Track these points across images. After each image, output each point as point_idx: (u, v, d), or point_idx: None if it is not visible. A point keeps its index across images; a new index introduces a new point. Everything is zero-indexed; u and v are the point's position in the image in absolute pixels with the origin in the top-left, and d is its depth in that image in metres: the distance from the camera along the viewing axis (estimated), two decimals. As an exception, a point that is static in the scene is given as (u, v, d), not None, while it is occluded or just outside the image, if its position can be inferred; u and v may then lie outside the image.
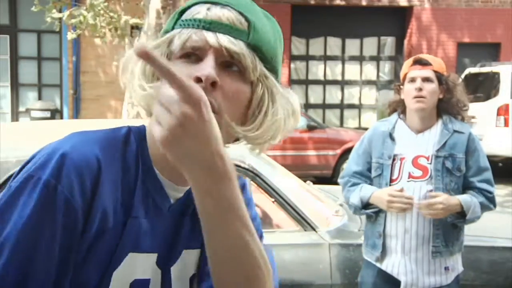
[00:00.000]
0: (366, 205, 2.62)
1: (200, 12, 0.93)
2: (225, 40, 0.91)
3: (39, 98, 11.99)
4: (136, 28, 9.55)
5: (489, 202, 2.57)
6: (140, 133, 0.99)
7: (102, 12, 7.89)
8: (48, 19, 8.23)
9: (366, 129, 2.82)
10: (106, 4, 7.89)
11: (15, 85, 12.03)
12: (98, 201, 0.89)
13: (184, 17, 0.95)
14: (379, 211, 2.59)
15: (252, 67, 0.93)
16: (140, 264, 0.96)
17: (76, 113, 11.82)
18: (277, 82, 0.99)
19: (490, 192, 2.58)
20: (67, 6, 8.80)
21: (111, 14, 8.02)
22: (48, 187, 0.86)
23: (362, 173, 2.68)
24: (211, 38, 0.90)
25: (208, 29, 0.91)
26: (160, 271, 1.00)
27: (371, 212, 2.62)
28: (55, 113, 11.32)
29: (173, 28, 0.95)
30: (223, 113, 0.91)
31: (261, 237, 1.09)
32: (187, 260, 1.03)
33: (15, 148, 2.65)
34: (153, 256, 0.98)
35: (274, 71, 0.98)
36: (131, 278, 0.95)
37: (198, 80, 0.88)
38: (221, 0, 0.94)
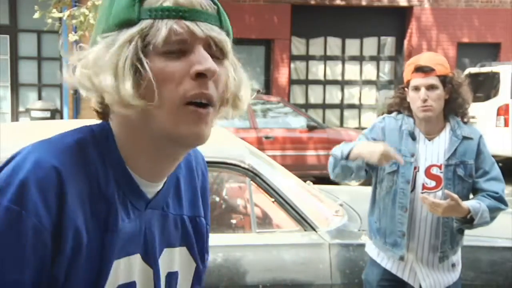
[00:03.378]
0: (348, 156, 2.45)
1: None
2: (210, 30, 0.88)
3: (39, 98, 11.99)
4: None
5: (498, 202, 2.50)
6: (103, 132, 0.93)
7: (102, 12, 7.89)
8: (49, 20, 8.22)
9: (366, 129, 2.77)
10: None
11: (15, 85, 12.03)
12: (66, 219, 0.83)
13: (147, 4, 0.87)
14: (402, 211, 2.51)
15: (230, 52, 0.93)
16: (122, 268, 0.92)
17: (76, 113, 11.81)
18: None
19: (496, 192, 2.52)
20: (67, 7, 8.79)
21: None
22: (11, 213, 0.81)
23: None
24: (196, 29, 0.87)
25: (185, 18, 0.86)
26: (152, 270, 0.97)
27: (354, 164, 2.44)
28: (55, 113, 11.31)
29: (139, 19, 0.86)
30: (217, 103, 0.91)
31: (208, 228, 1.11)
32: (168, 258, 1.01)
33: (15, 148, 2.65)
34: (135, 258, 0.94)
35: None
36: (115, 285, 0.91)
37: (199, 75, 0.86)
38: None
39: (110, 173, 0.90)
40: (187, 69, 0.86)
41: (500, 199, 2.52)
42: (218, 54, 0.90)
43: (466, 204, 2.40)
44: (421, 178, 2.52)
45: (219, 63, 0.90)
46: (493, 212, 2.49)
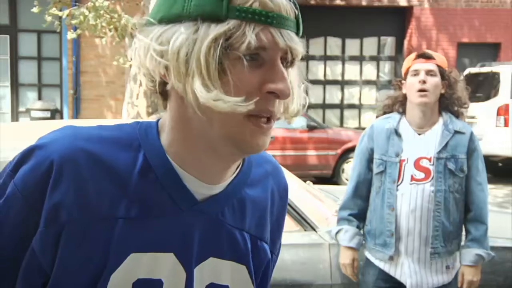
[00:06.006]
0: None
1: None
2: (291, 40, 0.85)
3: (39, 98, 11.99)
4: (136, 28, 9.51)
5: (485, 226, 2.59)
6: (150, 128, 0.92)
7: (102, 12, 7.89)
8: (49, 18, 8.22)
9: (365, 129, 2.82)
10: (106, 4, 7.89)
11: (15, 85, 12.03)
12: (53, 198, 0.85)
13: (235, 3, 0.82)
14: (390, 209, 2.59)
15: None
16: (145, 263, 0.89)
17: (76, 113, 11.82)
18: None
19: (484, 203, 2.59)
20: (67, 6, 8.79)
21: (112, 14, 8.01)
22: (8, 177, 0.88)
23: (358, 174, 2.68)
24: (280, 39, 0.83)
25: (271, 25, 0.83)
26: (185, 274, 0.92)
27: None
28: (55, 113, 11.31)
29: (226, 17, 0.82)
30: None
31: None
32: (214, 268, 0.95)
33: (15, 148, 2.65)
34: (166, 256, 0.90)
35: None
36: (134, 278, 0.88)
37: (270, 92, 0.84)
38: None
39: (139, 163, 0.89)
40: (261, 82, 0.84)
41: (484, 215, 2.60)
42: (289, 63, 0.88)
43: (471, 264, 2.54)
44: (410, 169, 2.55)
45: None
46: (487, 239, 2.61)
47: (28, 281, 0.88)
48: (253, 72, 0.84)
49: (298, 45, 0.86)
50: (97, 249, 0.86)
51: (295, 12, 0.87)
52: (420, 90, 2.51)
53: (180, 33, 0.83)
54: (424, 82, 2.51)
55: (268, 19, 0.83)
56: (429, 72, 2.53)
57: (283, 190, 1.07)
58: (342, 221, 2.71)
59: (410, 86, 2.55)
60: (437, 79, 2.53)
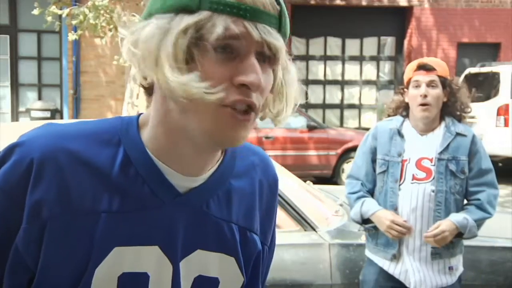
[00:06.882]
0: (366, 220, 2.63)
1: None
2: (268, 34, 0.84)
3: (39, 98, 11.99)
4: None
5: (484, 212, 2.55)
6: (130, 123, 0.93)
7: (102, 12, 7.89)
8: (49, 18, 8.22)
9: (366, 129, 2.84)
10: (106, 3, 7.89)
11: (15, 85, 12.03)
12: (34, 195, 0.85)
13: None
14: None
15: (282, 57, 0.89)
16: (129, 257, 0.89)
17: (76, 113, 11.82)
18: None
19: (481, 200, 2.56)
20: (67, 6, 8.79)
21: (112, 13, 8.01)
22: None
23: (365, 174, 2.68)
24: (254, 31, 0.83)
25: (245, 17, 0.83)
26: (172, 266, 0.92)
27: (370, 226, 2.64)
28: (55, 113, 11.31)
29: (198, 8, 0.83)
30: (260, 108, 0.88)
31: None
32: (202, 261, 0.95)
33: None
34: (151, 249, 0.90)
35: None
36: (118, 272, 0.89)
37: (242, 85, 0.83)
38: None
39: (119, 158, 0.89)
40: (231, 75, 0.83)
41: (483, 208, 2.56)
42: (270, 59, 0.87)
43: (453, 222, 2.48)
44: (411, 169, 2.56)
45: (268, 68, 0.87)
46: (481, 224, 2.56)
47: (14, 278, 0.88)
48: (224, 65, 0.83)
49: (277, 40, 0.86)
50: (81, 244, 0.87)
51: (277, 9, 0.86)
52: (422, 104, 2.52)
53: (152, 24, 0.85)
54: (425, 96, 2.51)
55: (240, 11, 0.82)
56: (430, 84, 2.53)
57: (272, 181, 1.06)
58: (357, 200, 2.67)
59: (412, 98, 2.57)
60: (438, 91, 2.54)
